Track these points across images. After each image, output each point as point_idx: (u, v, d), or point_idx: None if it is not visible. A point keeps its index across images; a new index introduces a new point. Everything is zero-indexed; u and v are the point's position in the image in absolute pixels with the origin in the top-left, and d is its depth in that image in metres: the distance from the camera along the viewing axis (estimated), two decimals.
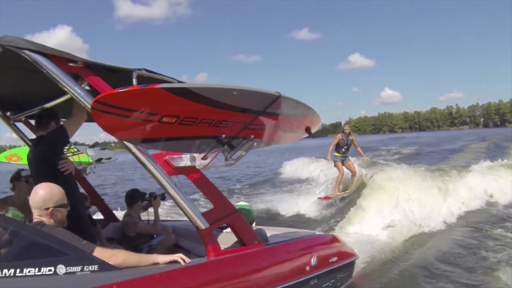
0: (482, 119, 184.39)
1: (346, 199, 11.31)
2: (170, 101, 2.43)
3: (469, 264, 6.09)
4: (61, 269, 2.49)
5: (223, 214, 3.42)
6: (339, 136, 11.80)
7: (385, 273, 5.97)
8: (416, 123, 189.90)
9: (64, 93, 4.01)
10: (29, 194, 3.97)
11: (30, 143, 4.69)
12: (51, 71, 2.79)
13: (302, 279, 3.95)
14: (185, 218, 3.26)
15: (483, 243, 7.21)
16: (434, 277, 5.57)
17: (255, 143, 3.55)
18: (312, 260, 4.12)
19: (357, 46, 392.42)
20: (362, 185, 10.96)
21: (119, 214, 5.94)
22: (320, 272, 4.25)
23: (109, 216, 5.39)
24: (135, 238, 4.92)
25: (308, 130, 4.07)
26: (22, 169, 4.24)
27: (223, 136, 3.15)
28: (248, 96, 2.91)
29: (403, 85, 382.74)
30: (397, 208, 8.78)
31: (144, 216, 5.21)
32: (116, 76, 3.04)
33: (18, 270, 2.36)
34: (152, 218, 5.03)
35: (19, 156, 9.30)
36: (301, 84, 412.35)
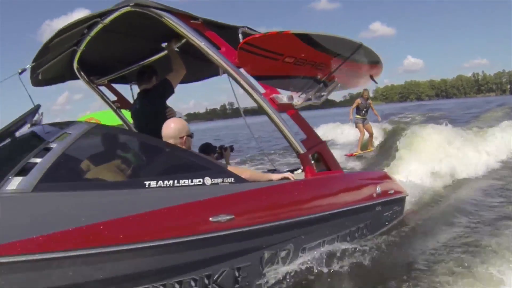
0: (508, 86, 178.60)
1: (384, 152, 11.77)
2: (293, 44, 3.02)
3: (497, 208, 6.42)
4: (208, 180, 3.04)
5: (314, 143, 4.01)
6: (358, 100, 13.11)
7: (429, 211, 6.46)
8: (442, 90, 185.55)
9: (147, 57, 4.63)
10: None
11: (113, 106, 5.25)
12: (179, 25, 3.30)
13: (371, 203, 4.56)
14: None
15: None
16: (471, 215, 6.03)
17: (337, 86, 4.10)
18: (377, 189, 4.71)
19: (378, 14, 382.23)
20: (397, 139, 11.40)
21: None
22: (383, 200, 4.85)
23: None
24: None
25: (372, 77, 4.63)
26: None
27: (318, 76, 3.72)
28: (341, 42, 3.48)
29: (425, 53, 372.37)
30: (433, 159, 9.13)
31: None
32: (222, 32, 3.60)
33: (175, 181, 2.89)
34: None
35: (97, 120, 9.72)
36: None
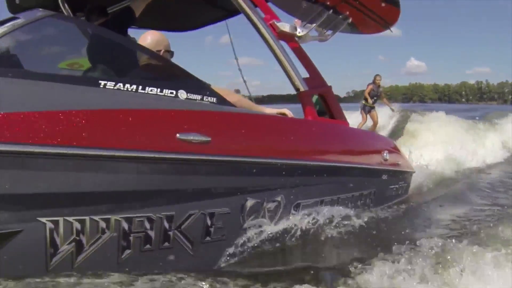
0: (510, 96, 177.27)
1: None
2: None
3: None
4: (182, 94, 2.41)
5: (319, 84, 3.38)
6: (371, 86, 11.56)
7: (436, 192, 5.88)
8: (446, 95, 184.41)
9: None
10: None
11: None
12: None
13: (378, 167, 3.90)
14: None
15: None
16: (476, 204, 5.29)
17: (346, 22, 3.51)
18: (384, 154, 4.02)
19: None
20: (402, 125, 10.79)
21: None
22: (390, 169, 4.18)
23: None
24: None
25: (386, 23, 4.01)
26: None
27: (328, 2, 3.20)
28: None
29: (429, 56, 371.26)
30: (440, 145, 8.49)
31: None
32: None
33: (140, 87, 2.26)
34: None
35: (81, 64, 9.11)
36: (327, 51, 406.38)
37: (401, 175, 4.65)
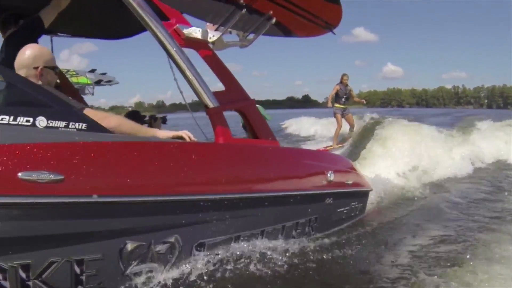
0: (486, 100, 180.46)
1: (355, 147, 10.68)
2: None
3: (473, 212, 5.47)
4: (42, 121, 2.05)
5: (235, 98, 2.89)
6: (337, 86, 11.21)
7: (396, 211, 5.43)
8: (423, 99, 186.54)
9: None
10: None
11: None
12: None
13: (318, 192, 3.41)
14: None
15: (488, 196, 6.59)
16: (441, 220, 5.00)
17: (270, 23, 3.02)
18: (328, 175, 3.53)
19: (362, 20, 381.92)
20: (369, 134, 10.35)
21: None
22: (336, 191, 3.69)
23: None
24: None
25: (327, 24, 3.54)
26: None
27: (241, 0, 2.68)
28: None
29: (405, 61, 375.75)
30: (406, 157, 8.11)
31: None
32: None
33: None
34: None
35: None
36: (305, 56, 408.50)
37: (353, 196, 4.20)
